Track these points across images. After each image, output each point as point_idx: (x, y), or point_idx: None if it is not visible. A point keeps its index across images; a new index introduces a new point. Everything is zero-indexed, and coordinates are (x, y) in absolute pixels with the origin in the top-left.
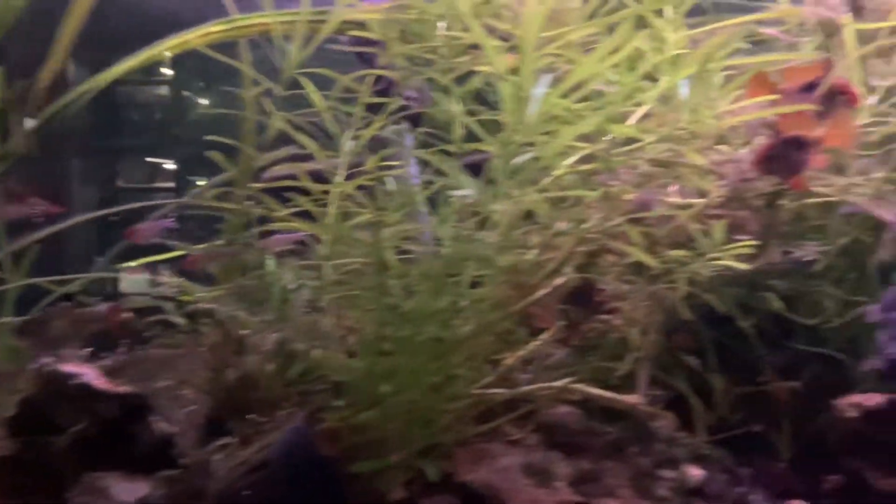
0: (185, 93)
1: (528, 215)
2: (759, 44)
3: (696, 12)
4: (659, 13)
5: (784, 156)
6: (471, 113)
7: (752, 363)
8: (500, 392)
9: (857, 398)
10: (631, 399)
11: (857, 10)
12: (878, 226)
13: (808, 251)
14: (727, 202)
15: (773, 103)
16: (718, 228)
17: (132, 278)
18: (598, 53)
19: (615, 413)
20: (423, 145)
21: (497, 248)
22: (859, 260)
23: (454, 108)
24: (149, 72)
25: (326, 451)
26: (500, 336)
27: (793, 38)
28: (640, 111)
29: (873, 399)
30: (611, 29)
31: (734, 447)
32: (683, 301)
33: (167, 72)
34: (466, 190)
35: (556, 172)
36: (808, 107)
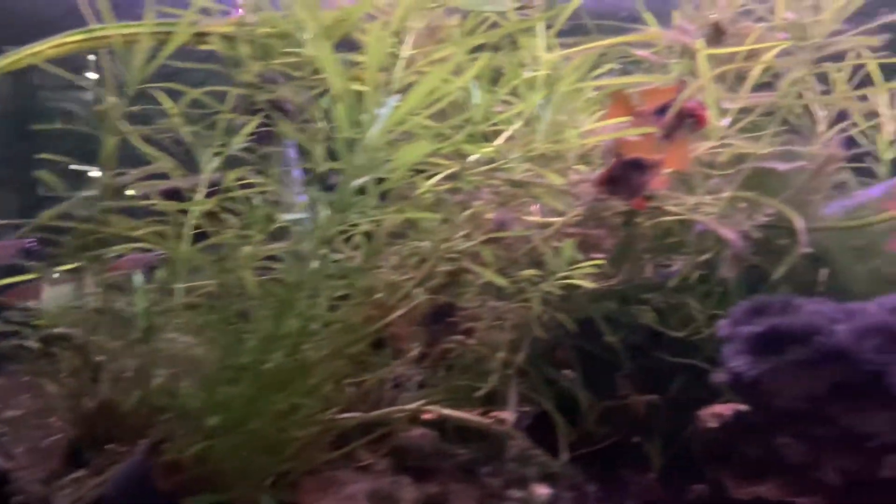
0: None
1: (392, 235)
2: (636, 64)
3: (578, 32)
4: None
5: (625, 177)
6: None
7: (625, 376)
8: (353, 416)
9: (717, 409)
10: (485, 419)
11: (718, 35)
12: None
13: (679, 266)
14: (585, 221)
15: (628, 124)
16: (568, 247)
17: (54, 291)
18: (441, 71)
19: (475, 433)
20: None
21: (354, 268)
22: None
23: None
24: (75, 76)
25: (164, 484)
26: (354, 359)
27: (664, 60)
28: (509, 130)
29: (730, 410)
30: (492, 48)
31: (607, 460)
32: (555, 317)
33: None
34: (299, 213)
35: (419, 191)
36: (651, 129)
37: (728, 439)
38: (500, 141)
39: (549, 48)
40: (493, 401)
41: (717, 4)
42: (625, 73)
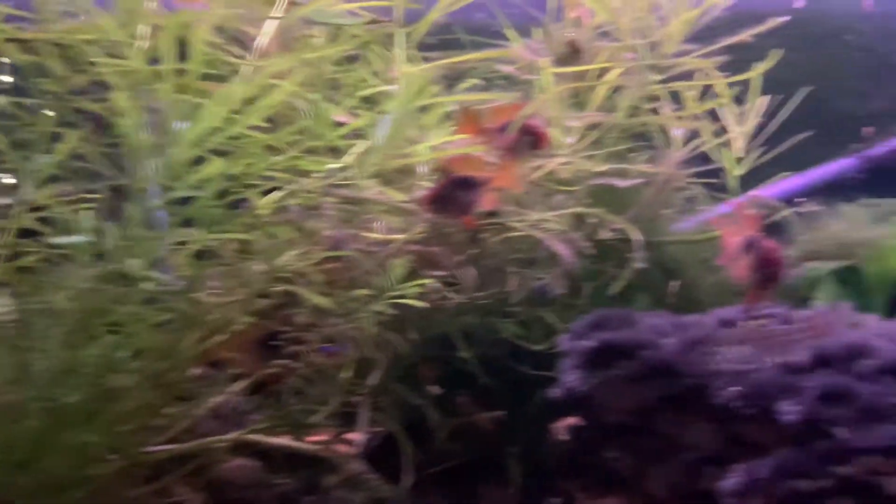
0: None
1: (224, 254)
2: (507, 80)
3: (448, 47)
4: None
5: (453, 196)
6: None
7: (484, 392)
8: (164, 449)
9: (570, 421)
10: (311, 445)
11: (575, 53)
12: (591, 255)
13: (542, 280)
14: (428, 238)
15: (473, 141)
16: (398, 266)
17: None
18: (250, 81)
19: (305, 460)
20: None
21: (173, 291)
22: (576, 286)
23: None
24: None
25: None
26: (173, 388)
27: (528, 77)
28: (357, 146)
29: (578, 422)
30: (350, 60)
31: (467, 477)
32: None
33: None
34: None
35: (254, 209)
36: (489, 147)
37: (576, 452)
38: (348, 156)
39: (412, 62)
40: (348, 423)
41: (577, 23)
42: (487, 88)
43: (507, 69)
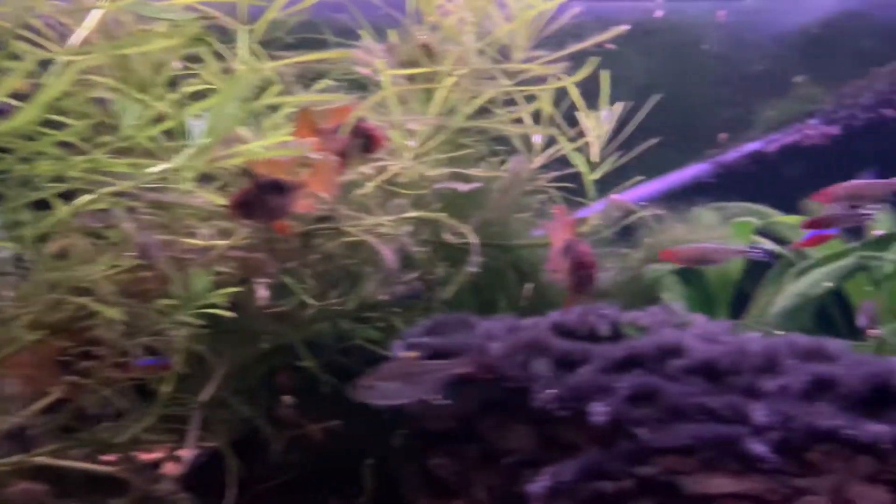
0: None
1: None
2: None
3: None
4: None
5: (261, 200)
6: None
7: (335, 400)
8: None
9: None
10: (103, 466)
11: (429, 54)
12: (447, 258)
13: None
14: (256, 244)
15: (307, 142)
16: (201, 275)
17: None
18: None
19: (106, 480)
20: None
21: None
22: (432, 290)
23: None
24: None
25: None
26: None
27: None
28: (183, 146)
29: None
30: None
31: (316, 489)
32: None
33: None
34: None
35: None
36: (300, 150)
37: (408, 461)
38: (173, 157)
39: (259, 60)
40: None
41: (435, 26)
42: (340, 90)
43: (364, 71)
